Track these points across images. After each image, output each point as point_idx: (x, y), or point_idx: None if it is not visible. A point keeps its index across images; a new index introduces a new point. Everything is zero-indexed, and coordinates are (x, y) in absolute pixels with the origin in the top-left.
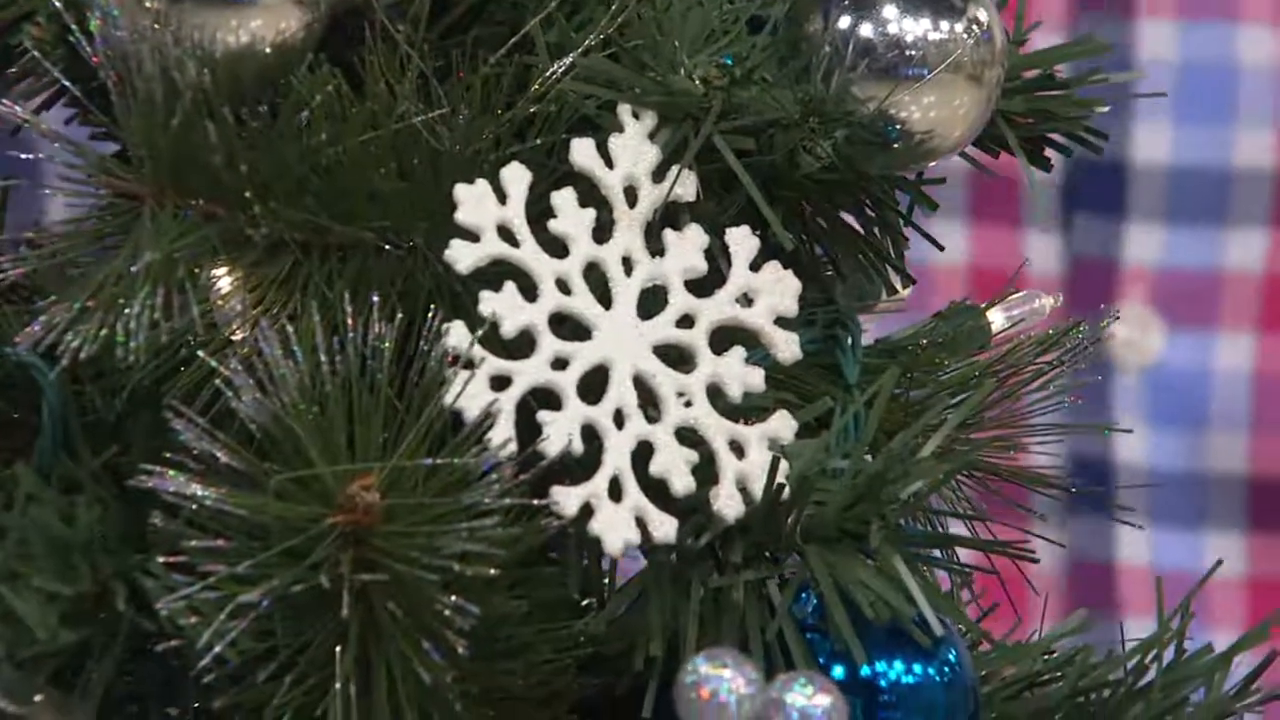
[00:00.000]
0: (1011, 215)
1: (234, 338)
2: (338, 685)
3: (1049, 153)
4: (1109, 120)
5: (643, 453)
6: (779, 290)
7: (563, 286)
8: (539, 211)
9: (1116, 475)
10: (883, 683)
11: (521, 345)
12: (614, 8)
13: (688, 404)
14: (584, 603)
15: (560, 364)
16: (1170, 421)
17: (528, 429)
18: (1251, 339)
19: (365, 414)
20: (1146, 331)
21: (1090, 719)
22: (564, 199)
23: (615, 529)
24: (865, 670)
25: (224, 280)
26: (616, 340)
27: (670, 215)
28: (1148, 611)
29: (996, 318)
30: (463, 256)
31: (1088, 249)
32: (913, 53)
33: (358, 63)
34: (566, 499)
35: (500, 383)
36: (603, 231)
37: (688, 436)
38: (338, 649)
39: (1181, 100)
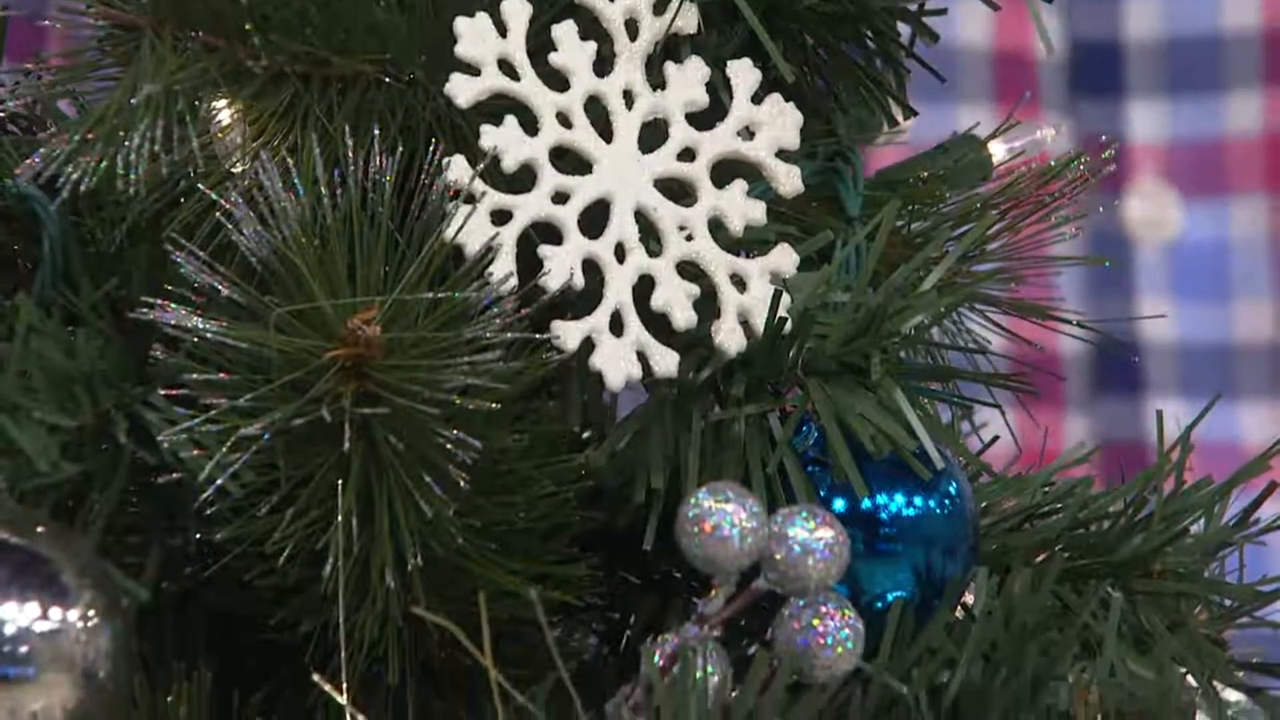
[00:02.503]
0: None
1: (234, 170)
2: (339, 518)
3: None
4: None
5: (644, 286)
6: (780, 123)
7: (563, 120)
8: (539, 45)
9: (1145, 352)
10: (883, 515)
11: (522, 179)
12: None
13: (689, 237)
14: (585, 437)
15: (561, 198)
16: (1195, 294)
17: (529, 263)
18: (1263, 199)
19: (366, 248)
20: (1163, 207)
21: (1090, 551)
22: (565, 32)
23: (616, 363)
24: (866, 503)
25: (224, 113)
26: (617, 174)
27: (671, 48)
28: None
29: (997, 150)
30: (463, 90)
31: (1095, 132)
32: None
33: None
34: (568, 333)
35: (501, 217)
36: (603, 65)
37: (689, 270)
38: (339, 482)
39: None
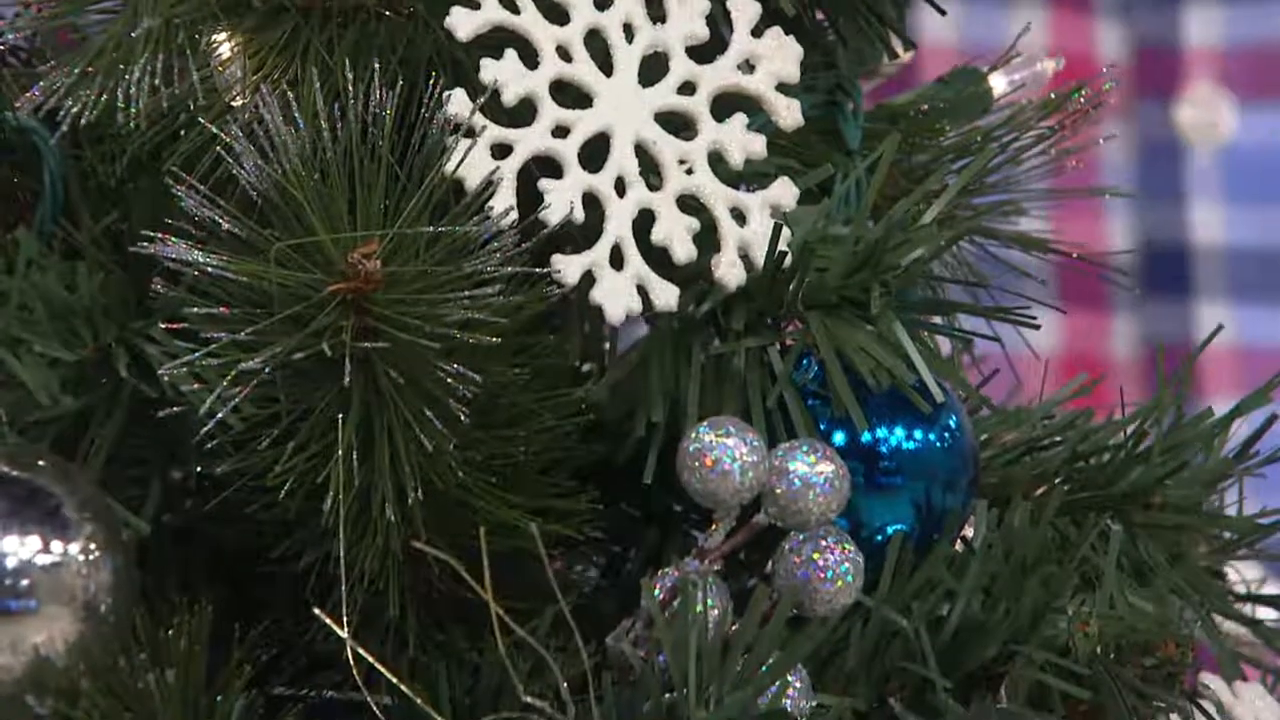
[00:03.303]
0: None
1: (234, 104)
2: (339, 452)
3: None
4: None
5: (644, 220)
6: (780, 56)
7: (563, 54)
8: None
9: (1194, 256)
10: (883, 449)
11: (522, 113)
12: None
13: (689, 171)
14: (585, 370)
15: (561, 131)
16: (1247, 199)
17: (529, 197)
18: None
19: (367, 181)
20: (1216, 111)
21: (1090, 484)
22: None
23: (617, 297)
24: (866, 436)
25: (224, 46)
26: (618, 107)
27: None
28: (1231, 390)
29: (998, 82)
30: (463, 23)
31: (1151, 35)
32: None
33: None
34: (568, 267)
35: (501, 150)
36: None
37: (689, 204)
38: (339, 416)
39: None
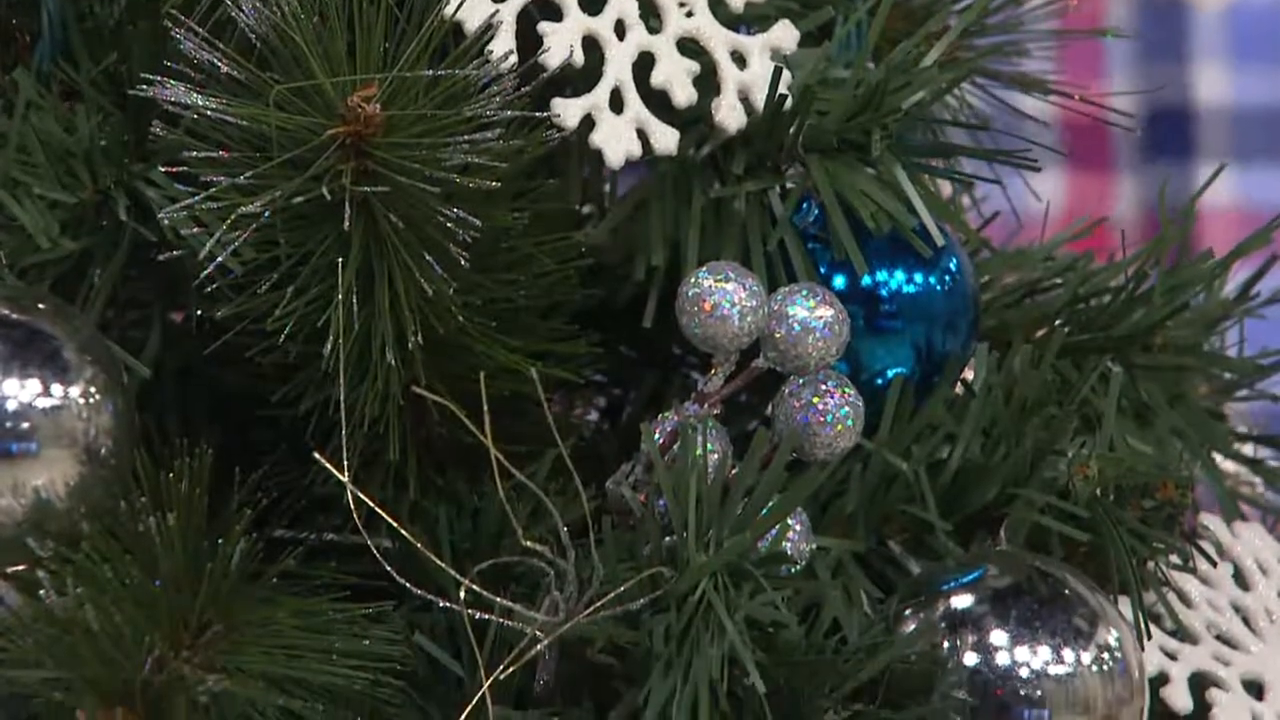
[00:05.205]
0: None
1: None
2: (339, 296)
3: None
4: None
5: (644, 63)
6: None
7: None
8: None
9: (1198, 118)
10: (884, 292)
11: None
12: None
13: (689, 14)
14: (585, 214)
15: None
16: (1253, 58)
17: (528, 40)
18: None
19: (366, 24)
20: None
21: (1090, 325)
22: None
23: (617, 140)
24: (866, 280)
25: None
26: None
27: None
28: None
29: None
30: None
31: None
32: None
33: None
34: (568, 111)
35: None
36: None
37: (689, 47)
38: (339, 260)
39: None
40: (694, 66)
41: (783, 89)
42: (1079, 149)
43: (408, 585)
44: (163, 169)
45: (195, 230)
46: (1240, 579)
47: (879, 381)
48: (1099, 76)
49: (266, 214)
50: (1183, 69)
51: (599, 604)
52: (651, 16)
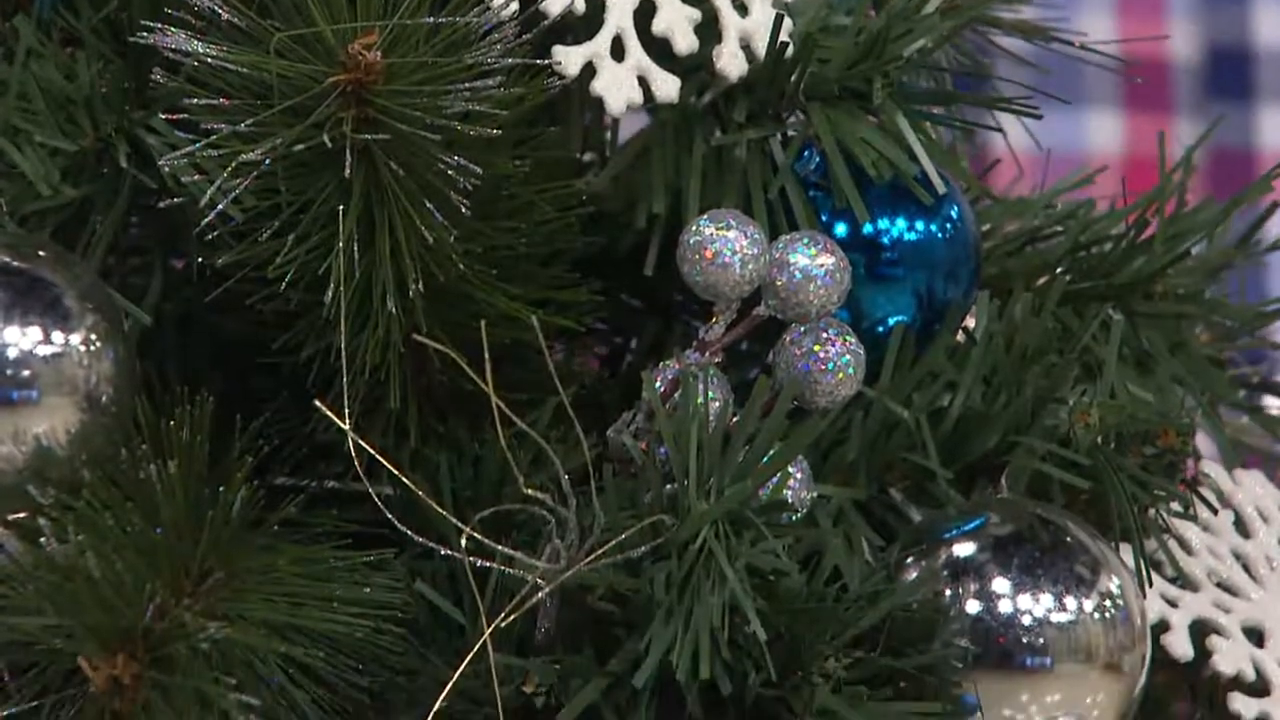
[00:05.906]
0: None
1: None
2: (340, 243)
3: None
4: None
5: (645, 10)
6: None
7: None
8: None
9: (1258, 60)
10: (885, 240)
11: None
12: None
13: None
14: (586, 162)
15: None
16: None
17: None
18: None
19: None
20: None
21: (1091, 273)
22: None
23: (618, 88)
24: (868, 228)
25: None
26: None
27: None
28: None
29: None
30: None
31: None
32: None
33: None
34: (569, 58)
35: None
36: None
37: None
38: (340, 208)
39: None
40: (695, 14)
41: (784, 36)
42: (1140, 92)
43: (409, 533)
44: (163, 116)
45: (196, 177)
46: (1241, 526)
47: (880, 329)
48: (1158, 18)
49: (267, 161)
50: (1243, 10)
51: (600, 552)
52: None
